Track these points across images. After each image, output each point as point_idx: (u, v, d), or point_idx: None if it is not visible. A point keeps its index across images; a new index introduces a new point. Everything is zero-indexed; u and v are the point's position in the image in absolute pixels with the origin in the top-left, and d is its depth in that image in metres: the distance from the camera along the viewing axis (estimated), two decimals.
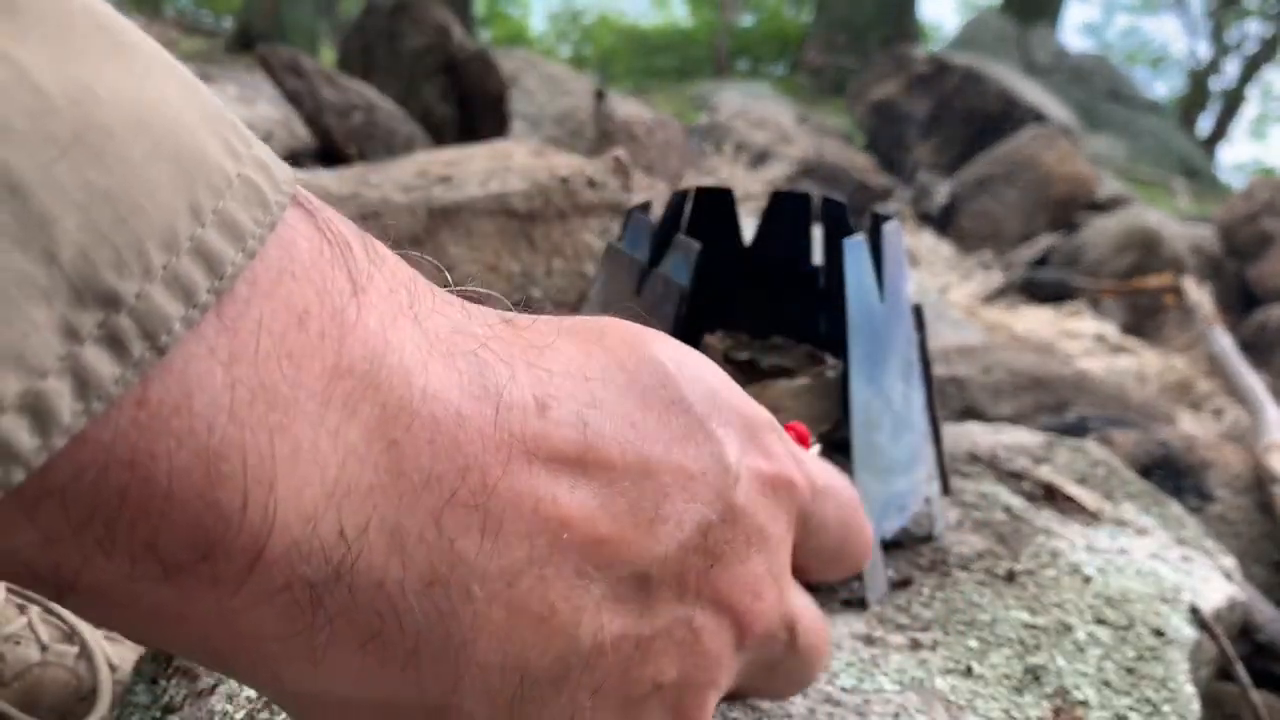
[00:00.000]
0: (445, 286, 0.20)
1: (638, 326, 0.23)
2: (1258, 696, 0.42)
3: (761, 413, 0.23)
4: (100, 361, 0.13)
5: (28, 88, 0.12)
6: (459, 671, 0.18)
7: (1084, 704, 0.34)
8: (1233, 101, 9.81)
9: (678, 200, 0.44)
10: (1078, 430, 0.96)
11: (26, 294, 0.12)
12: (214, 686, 0.32)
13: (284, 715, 0.31)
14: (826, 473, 0.25)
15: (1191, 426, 1.30)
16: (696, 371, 0.22)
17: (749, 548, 0.22)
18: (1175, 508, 0.53)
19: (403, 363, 0.17)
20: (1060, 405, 1.10)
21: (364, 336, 0.16)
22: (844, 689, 0.34)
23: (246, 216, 0.14)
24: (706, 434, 0.21)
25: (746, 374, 0.42)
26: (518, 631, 0.19)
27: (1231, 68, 10.23)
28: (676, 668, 0.21)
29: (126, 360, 0.13)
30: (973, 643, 0.37)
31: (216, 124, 0.15)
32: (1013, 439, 0.61)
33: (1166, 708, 0.34)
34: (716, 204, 0.47)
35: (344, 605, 0.17)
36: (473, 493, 0.18)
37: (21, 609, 0.40)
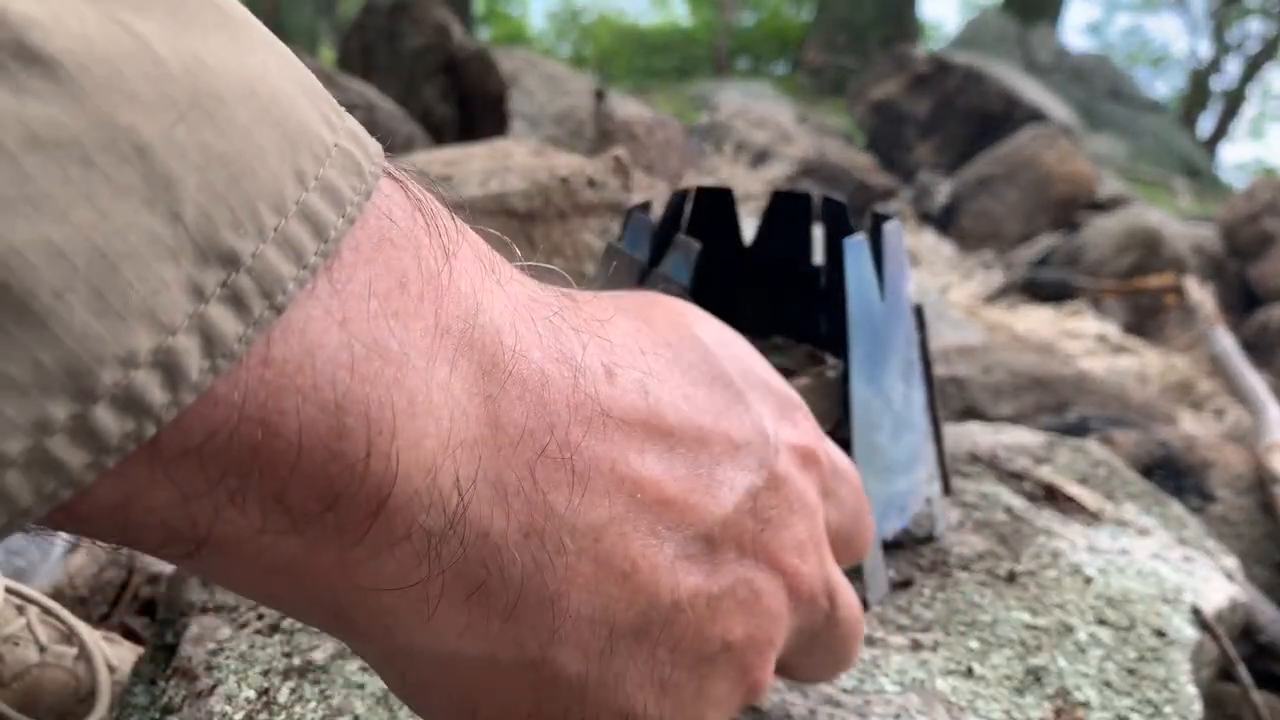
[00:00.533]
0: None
1: (681, 304, 0.25)
2: (1259, 697, 0.42)
3: (791, 391, 0.25)
4: (224, 320, 0.13)
5: (148, 57, 0.12)
6: (554, 624, 0.19)
7: (1085, 705, 0.34)
8: (1234, 101, 9.80)
9: (678, 200, 0.43)
10: (1079, 430, 0.96)
11: (156, 252, 0.12)
12: (213, 687, 0.32)
13: (283, 716, 0.31)
14: (842, 456, 0.26)
15: (1193, 426, 1.30)
16: (734, 349, 0.24)
17: (791, 513, 0.23)
18: (1176, 508, 0.53)
19: (494, 323, 0.18)
20: (1061, 405, 1.10)
21: (458, 298, 0.17)
22: (845, 690, 0.34)
23: (345, 184, 0.15)
24: (745, 406, 0.23)
25: None
26: (605, 586, 0.19)
27: (1233, 67, 10.23)
28: (742, 627, 0.22)
29: (247, 319, 0.13)
30: (974, 643, 0.37)
31: (313, 96, 0.15)
32: (1013, 439, 0.61)
33: (1168, 709, 0.34)
34: (716, 204, 0.47)
35: (455, 556, 0.17)
36: (560, 449, 0.19)
37: (20, 610, 0.40)
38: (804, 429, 0.24)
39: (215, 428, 0.14)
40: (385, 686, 0.32)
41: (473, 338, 0.17)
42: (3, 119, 0.11)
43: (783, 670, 0.26)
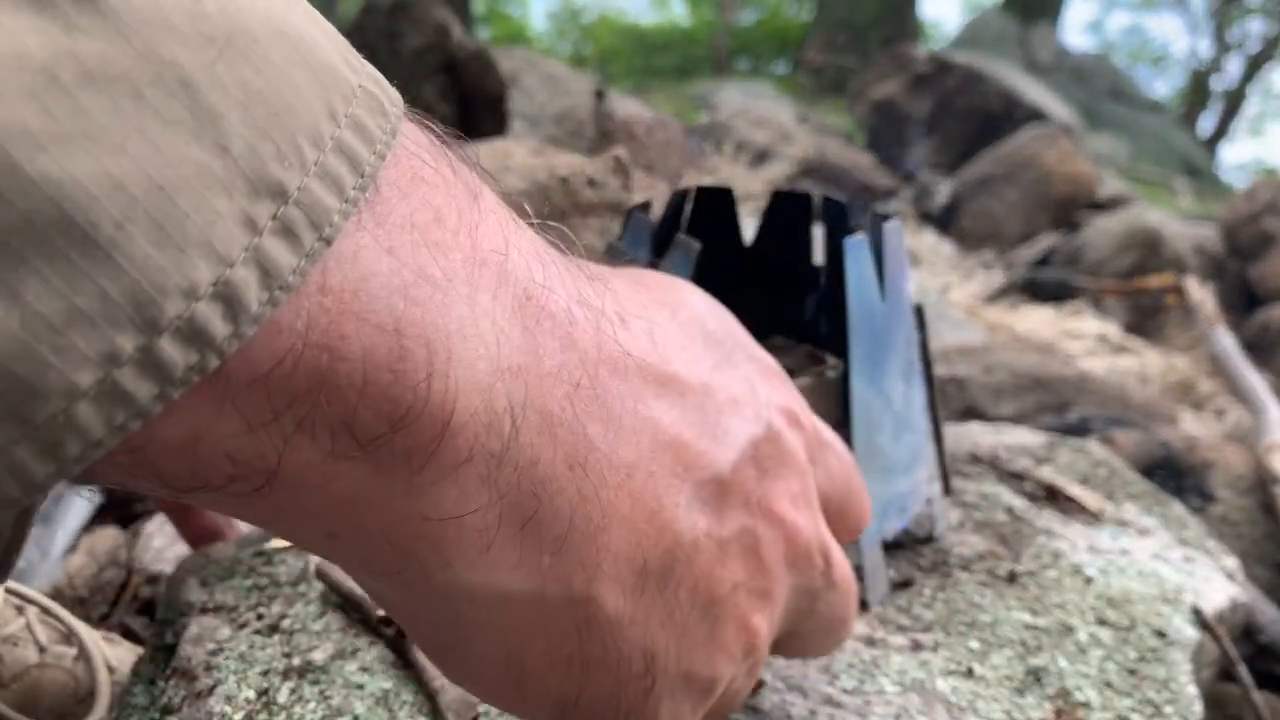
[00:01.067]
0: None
1: (669, 275, 0.26)
2: (1260, 697, 0.42)
3: (771, 359, 0.26)
4: (279, 252, 0.13)
5: None
6: (598, 559, 0.20)
7: (1085, 705, 0.34)
8: (1234, 100, 9.79)
9: (678, 200, 0.43)
10: (1079, 430, 0.96)
11: (208, 184, 0.12)
12: (212, 688, 0.32)
13: (283, 716, 0.31)
14: (827, 428, 0.27)
15: (1193, 427, 1.30)
16: (720, 315, 0.25)
17: (784, 467, 0.23)
18: (1177, 508, 0.53)
19: (524, 259, 0.19)
20: (1062, 405, 1.10)
21: (489, 234, 0.18)
22: (845, 690, 0.34)
23: (372, 123, 0.15)
24: (734, 365, 0.24)
25: None
26: (637, 523, 0.20)
27: (1233, 66, 10.22)
28: (745, 573, 0.22)
29: (299, 250, 0.14)
30: (974, 644, 0.37)
31: (334, 40, 0.15)
32: (1014, 439, 0.61)
33: (1169, 709, 0.34)
34: (717, 203, 0.47)
35: (510, 484, 0.18)
36: (591, 384, 0.19)
37: (20, 610, 0.40)
38: (786, 393, 0.25)
39: (280, 355, 0.14)
40: (387, 688, 0.32)
41: (506, 270, 0.18)
42: (58, 56, 0.11)
43: (782, 646, 0.27)
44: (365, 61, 0.16)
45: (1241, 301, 2.16)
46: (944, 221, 2.98)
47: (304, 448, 0.15)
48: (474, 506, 0.17)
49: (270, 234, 0.13)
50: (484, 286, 0.17)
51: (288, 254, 0.13)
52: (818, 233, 0.46)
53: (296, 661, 0.33)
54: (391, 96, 0.16)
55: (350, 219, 0.15)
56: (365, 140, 0.15)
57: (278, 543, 0.38)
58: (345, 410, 0.15)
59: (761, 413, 0.23)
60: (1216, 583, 0.44)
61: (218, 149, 0.13)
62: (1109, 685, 0.35)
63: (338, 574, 0.31)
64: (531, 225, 0.21)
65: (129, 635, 0.48)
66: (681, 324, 0.23)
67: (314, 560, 0.36)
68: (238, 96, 0.13)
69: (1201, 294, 1.93)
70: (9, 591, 0.41)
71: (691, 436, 0.21)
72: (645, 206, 0.43)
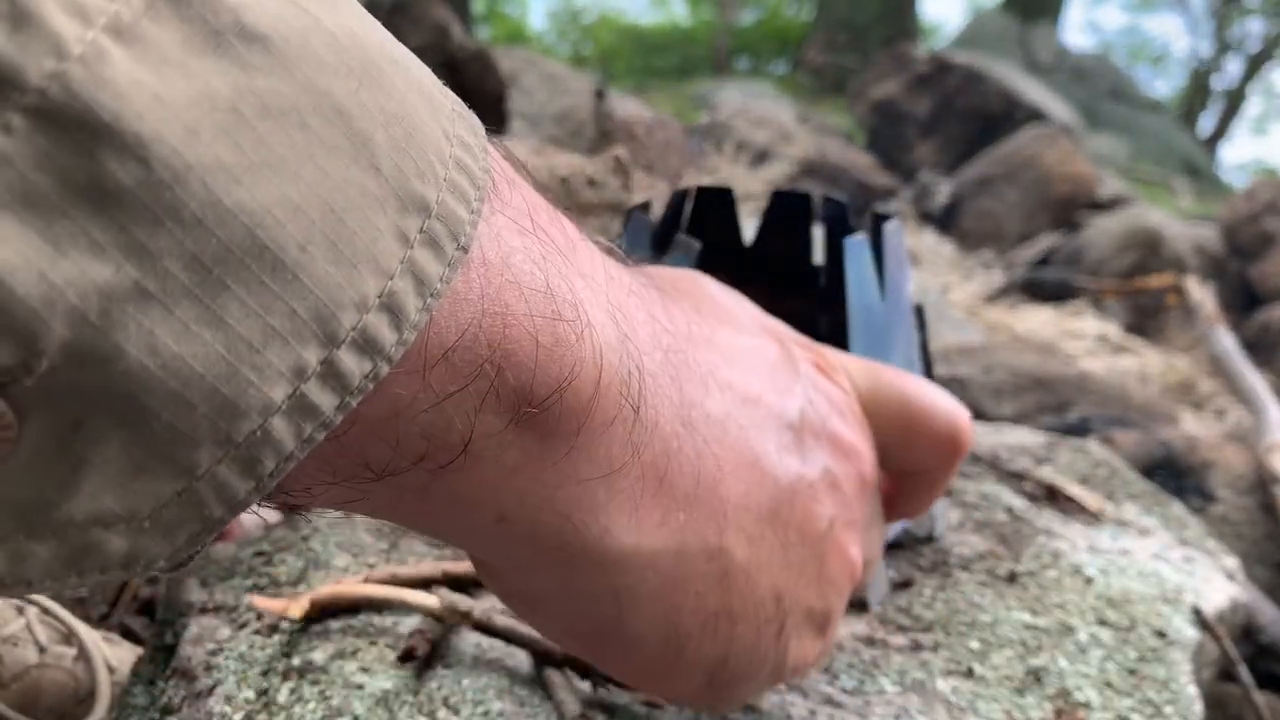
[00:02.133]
0: None
1: (676, 268, 0.28)
2: (1260, 698, 0.42)
3: (773, 319, 0.28)
4: (428, 261, 0.14)
5: (324, 30, 0.13)
6: (724, 509, 0.21)
7: (1086, 705, 0.34)
8: (1235, 100, 9.79)
9: (678, 199, 0.43)
10: (1079, 430, 0.96)
11: (368, 203, 0.13)
12: (212, 688, 0.32)
13: (282, 716, 0.31)
14: (833, 352, 0.29)
15: (1194, 427, 1.30)
16: (728, 292, 0.27)
17: (831, 407, 0.25)
18: (1177, 508, 0.53)
19: (605, 245, 0.21)
20: (1062, 405, 1.10)
21: (569, 224, 0.20)
22: (845, 690, 0.34)
23: (472, 140, 0.16)
24: (758, 331, 0.25)
25: None
26: (742, 472, 0.22)
27: (1234, 66, 10.22)
28: (835, 507, 0.24)
29: (443, 259, 0.14)
30: (974, 644, 0.37)
31: (423, 67, 0.16)
32: (1014, 439, 0.61)
33: (1169, 709, 0.34)
34: (717, 203, 0.46)
35: (645, 443, 0.19)
36: (678, 350, 0.21)
37: (19, 610, 0.40)
38: (810, 346, 0.27)
39: (465, 325, 0.15)
40: (386, 688, 0.32)
41: (597, 247, 0.20)
42: (241, 93, 0.12)
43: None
44: (443, 85, 0.18)
45: (1242, 301, 2.16)
46: (944, 221, 2.98)
47: (488, 416, 0.16)
48: (620, 464, 0.19)
49: (420, 245, 0.14)
50: (589, 262, 0.19)
51: (435, 263, 0.14)
52: (818, 233, 0.46)
53: (296, 661, 0.33)
54: (470, 114, 0.17)
55: (485, 204, 0.16)
56: (471, 155, 0.16)
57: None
58: (524, 373, 0.16)
59: (797, 370, 0.25)
60: (1217, 583, 0.44)
61: (372, 170, 0.13)
62: (1109, 685, 0.35)
63: (501, 621, 0.32)
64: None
65: (129, 635, 0.48)
66: (711, 300, 0.25)
67: (471, 606, 0.35)
68: (380, 120, 0.14)
69: (1202, 294, 1.93)
70: None
71: (761, 390, 0.23)
72: (645, 206, 0.43)
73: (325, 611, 0.35)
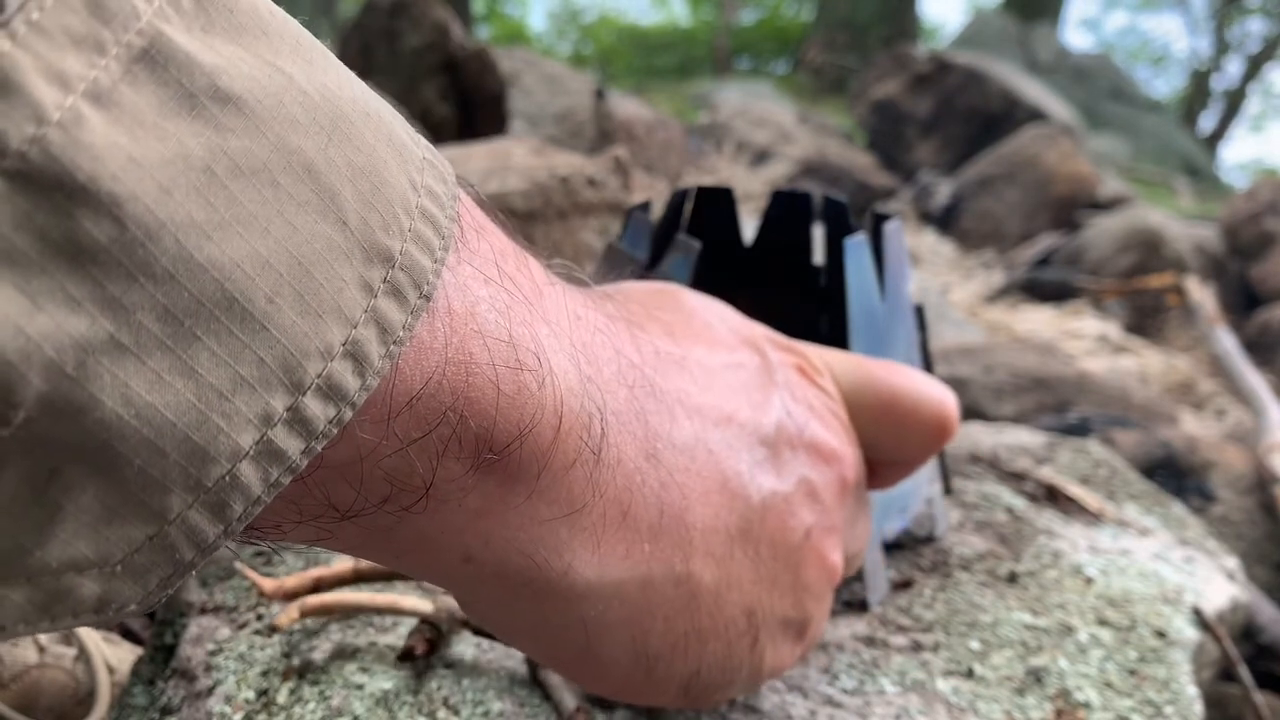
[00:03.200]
0: None
1: (654, 281, 0.28)
2: (1261, 698, 0.42)
3: (756, 325, 0.28)
4: (391, 310, 0.15)
5: (297, 89, 0.14)
6: (689, 538, 0.22)
7: (1086, 706, 0.34)
8: (1235, 100, 9.78)
9: (678, 199, 0.43)
10: (1080, 430, 0.96)
11: (335, 255, 0.14)
12: (212, 688, 0.32)
13: (282, 716, 0.31)
14: (811, 348, 0.29)
15: (1194, 427, 1.30)
16: (707, 303, 0.27)
17: (810, 414, 0.26)
18: (1178, 508, 0.53)
19: (560, 286, 0.21)
20: (1062, 405, 1.10)
21: (536, 268, 0.20)
22: (845, 690, 0.34)
23: (440, 188, 0.17)
24: (735, 345, 0.26)
25: None
26: (711, 496, 0.22)
27: (1234, 66, 10.21)
28: (812, 515, 0.25)
29: (406, 307, 0.15)
30: (974, 644, 0.37)
31: (396, 116, 0.17)
32: (1014, 439, 0.61)
33: (1169, 709, 0.34)
34: (716, 203, 0.46)
35: (608, 481, 0.20)
36: (643, 381, 0.21)
37: None
38: (787, 346, 0.27)
39: (430, 373, 0.16)
40: (387, 688, 0.32)
41: (557, 294, 0.20)
42: (214, 153, 0.12)
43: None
44: (416, 132, 0.18)
45: (1242, 301, 2.16)
46: (944, 221, 2.98)
47: (450, 462, 0.17)
48: (581, 504, 0.19)
49: (383, 295, 0.15)
50: (550, 309, 0.19)
51: (398, 311, 0.15)
52: (818, 233, 0.46)
53: (296, 662, 0.33)
54: (442, 161, 0.18)
55: (450, 253, 0.16)
56: (438, 204, 0.16)
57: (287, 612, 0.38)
58: (485, 420, 0.17)
59: (773, 376, 0.25)
60: (1217, 583, 0.44)
61: (339, 223, 0.14)
62: (1109, 685, 0.35)
63: (554, 679, 0.32)
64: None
65: (129, 635, 0.48)
66: (686, 318, 0.25)
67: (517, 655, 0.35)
68: (347, 174, 0.14)
69: (1202, 294, 1.93)
70: None
71: (733, 408, 0.23)
72: (645, 206, 0.43)
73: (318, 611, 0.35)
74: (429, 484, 0.16)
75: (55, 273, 0.11)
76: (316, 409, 0.14)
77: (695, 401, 0.23)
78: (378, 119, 0.16)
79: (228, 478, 0.13)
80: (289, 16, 0.15)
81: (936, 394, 0.28)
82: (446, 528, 0.18)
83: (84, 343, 0.11)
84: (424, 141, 0.17)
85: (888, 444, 0.28)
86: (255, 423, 0.13)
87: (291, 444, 0.14)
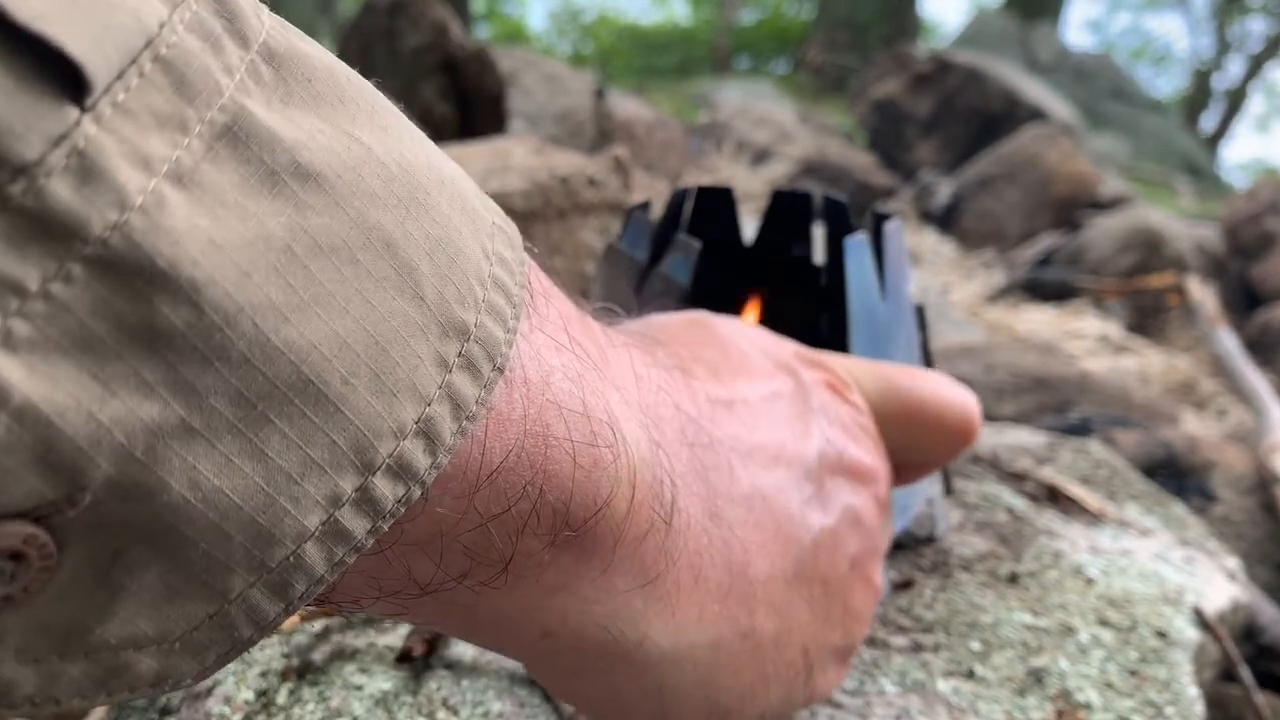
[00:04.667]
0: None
1: (683, 313, 0.28)
2: (1261, 698, 0.42)
3: (785, 342, 0.28)
4: (465, 385, 0.14)
5: (375, 161, 0.14)
6: (752, 591, 0.22)
7: (1086, 706, 0.34)
8: (1236, 99, 9.78)
9: (678, 199, 0.43)
10: (1080, 430, 0.96)
11: (411, 332, 0.14)
12: (211, 689, 0.32)
13: (282, 717, 0.31)
14: (836, 359, 0.29)
15: (1195, 427, 1.30)
16: (738, 329, 0.27)
17: (846, 435, 0.26)
18: (1178, 508, 0.53)
19: (630, 344, 0.21)
20: (1063, 405, 1.10)
21: (597, 329, 0.20)
22: (845, 690, 0.33)
23: (510, 254, 0.16)
24: (771, 371, 0.26)
25: None
26: (768, 546, 0.22)
27: (1235, 66, 10.20)
28: (857, 544, 0.25)
29: (480, 381, 0.15)
30: (975, 645, 0.37)
31: (466, 179, 0.17)
32: (1015, 439, 0.61)
33: (1170, 710, 0.34)
34: (717, 203, 0.46)
35: (679, 547, 0.20)
36: (702, 437, 0.21)
37: None
38: (818, 363, 0.27)
39: (510, 446, 0.15)
40: (386, 689, 0.32)
41: (623, 355, 0.20)
42: (294, 233, 0.12)
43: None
44: (485, 195, 0.18)
45: (1243, 301, 2.16)
46: (945, 221, 2.98)
47: (529, 538, 0.16)
48: (655, 573, 0.19)
49: (458, 369, 0.14)
50: (618, 373, 0.19)
51: (471, 386, 0.14)
52: (818, 232, 0.46)
53: (295, 662, 0.33)
54: (510, 224, 0.17)
55: (522, 320, 0.16)
56: (508, 271, 0.16)
57: None
58: (563, 495, 0.16)
59: (807, 399, 0.25)
60: (1218, 583, 0.44)
61: (416, 298, 0.14)
62: (1110, 686, 0.35)
63: None
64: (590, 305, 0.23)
65: None
66: (723, 352, 0.25)
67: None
68: (425, 247, 0.14)
69: (1203, 294, 1.93)
70: None
71: (779, 446, 0.23)
72: (645, 206, 0.43)
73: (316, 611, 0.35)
74: (508, 559, 0.16)
75: (130, 358, 0.11)
76: (385, 489, 0.13)
77: (746, 446, 0.23)
78: (452, 186, 0.15)
79: (291, 558, 0.13)
80: (364, 81, 0.15)
81: (959, 398, 0.29)
82: (524, 604, 0.18)
83: (154, 427, 0.11)
84: (492, 205, 0.17)
85: (912, 449, 0.28)
86: (323, 504, 0.13)
87: (358, 524, 0.13)
